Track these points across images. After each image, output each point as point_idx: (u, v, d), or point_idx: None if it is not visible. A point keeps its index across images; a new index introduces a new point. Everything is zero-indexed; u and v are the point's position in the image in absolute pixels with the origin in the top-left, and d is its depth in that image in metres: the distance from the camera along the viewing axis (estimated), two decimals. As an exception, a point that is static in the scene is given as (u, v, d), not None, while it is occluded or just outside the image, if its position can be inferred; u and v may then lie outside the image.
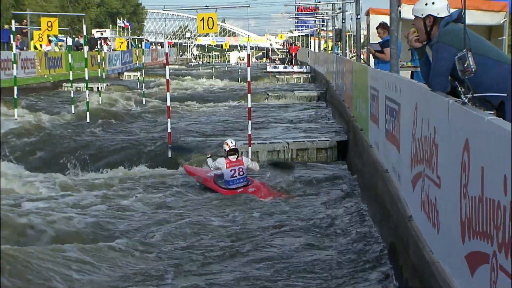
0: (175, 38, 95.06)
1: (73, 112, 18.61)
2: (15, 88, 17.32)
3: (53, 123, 16.71)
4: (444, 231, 4.22)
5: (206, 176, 10.33)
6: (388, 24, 9.23)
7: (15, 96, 17.30)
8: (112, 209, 8.79)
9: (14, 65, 17.82)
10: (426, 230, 4.85)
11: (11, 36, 18.68)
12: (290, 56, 46.71)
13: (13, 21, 19.99)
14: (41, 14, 31.36)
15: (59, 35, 32.89)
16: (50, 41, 30.57)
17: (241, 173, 9.90)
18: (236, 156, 9.94)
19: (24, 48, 29.20)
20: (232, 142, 10.17)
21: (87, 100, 17.80)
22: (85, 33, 20.11)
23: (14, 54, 18.03)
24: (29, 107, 20.34)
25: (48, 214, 8.09)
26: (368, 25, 14.33)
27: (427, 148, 4.86)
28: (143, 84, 25.22)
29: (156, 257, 6.80)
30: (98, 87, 24.68)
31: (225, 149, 10.00)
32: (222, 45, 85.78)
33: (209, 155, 10.55)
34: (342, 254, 6.80)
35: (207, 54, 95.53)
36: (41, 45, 29.16)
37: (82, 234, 7.58)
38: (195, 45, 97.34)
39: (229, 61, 79.18)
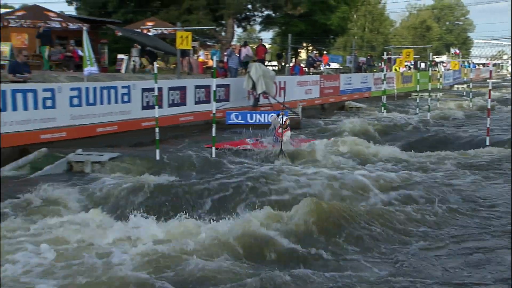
0: (494, 60, 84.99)
1: (417, 112, 18.26)
2: (384, 97, 18.07)
3: (403, 119, 16.12)
4: None
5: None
6: None
7: (384, 102, 18.03)
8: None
9: (384, 82, 18.51)
10: None
11: (382, 62, 19.36)
12: None
13: (384, 53, 20.75)
14: (401, 47, 31.51)
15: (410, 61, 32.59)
16: (405, 65, 30.62)
17: None
18: None
19: (388, 70, 29.69)
20: None
21: (429, 105, 17.34)
22: (430, 59, 19.80)
23: (384, 74, 18.70)
24: (392, 109, 20.00)
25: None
26: None
27: None
28: (470, 93, 23.54)
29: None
30: (436, 95, 23.92)
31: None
32: (532, 63, 74.00)
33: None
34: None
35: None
36: (399, 68, 29.42)
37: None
38: (510, 64, 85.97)
39: (539, 75, 67.84)
